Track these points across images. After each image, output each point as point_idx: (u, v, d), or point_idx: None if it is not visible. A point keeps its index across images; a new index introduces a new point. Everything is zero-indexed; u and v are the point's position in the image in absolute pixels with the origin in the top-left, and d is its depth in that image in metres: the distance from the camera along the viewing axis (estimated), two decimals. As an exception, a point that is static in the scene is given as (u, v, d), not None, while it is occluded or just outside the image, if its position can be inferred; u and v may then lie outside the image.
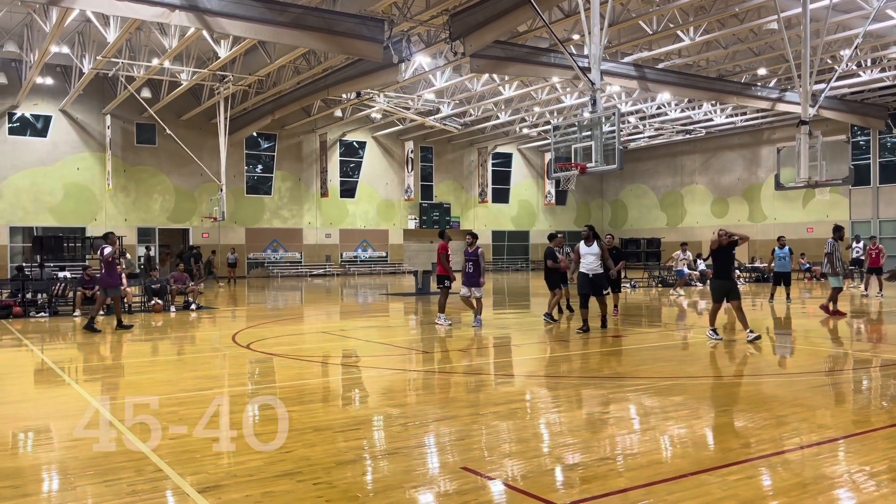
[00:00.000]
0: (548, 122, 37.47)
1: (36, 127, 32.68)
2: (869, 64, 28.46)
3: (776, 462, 4.98)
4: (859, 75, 28.85)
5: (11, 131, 32.08)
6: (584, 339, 11.62)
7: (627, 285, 25.75)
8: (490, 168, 45.16)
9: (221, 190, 32.60)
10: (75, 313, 16.42)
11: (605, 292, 12.88)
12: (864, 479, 4.59)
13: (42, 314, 16.48)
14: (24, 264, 21.65)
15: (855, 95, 32.53)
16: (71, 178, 33.13)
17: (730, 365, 9.28)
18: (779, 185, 21.49)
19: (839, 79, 26.67)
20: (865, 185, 35.81)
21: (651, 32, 22.97)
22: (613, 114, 15.55)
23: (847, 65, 25.93)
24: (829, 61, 26.85)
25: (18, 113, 32.12)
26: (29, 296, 16.96)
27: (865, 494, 4.36)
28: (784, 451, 5.25)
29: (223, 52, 23.52)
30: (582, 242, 12.75)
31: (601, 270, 12.56)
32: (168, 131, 31.26)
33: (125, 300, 17.34)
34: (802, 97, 18.82)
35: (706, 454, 5.19)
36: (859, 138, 36.57)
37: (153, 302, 17.57)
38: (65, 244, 26.95)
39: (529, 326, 14.26)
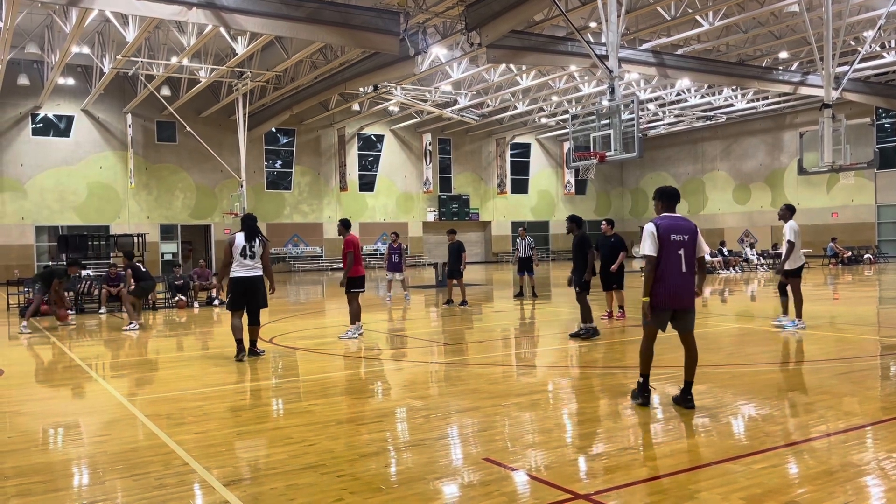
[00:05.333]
0: (566, 112, 37.25)
1: (59, 127, 33.10)
2: (893, 45, 27.92)
3: (802, 450, 4.93)
4: (883, 56, 28.33)
5: (35, 132, 32.52)
6: (604, 329, 11.57)
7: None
8: (508, 159, 44.99)
9: (242, 186, 32.83)
10: (101, 310, 16.65)
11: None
12: (892, 467, 4.53)
13: (69, 312, 16.70)
14: (50, 263, 22.01)
15: (879, 77, 31.94)
16: (94, 176, 33.53)
17: (754, 352, 9.20)
18: (802, 171, 21.19)
19: (862, 61, 26.21)
20: (891, 169, 35.20)
21: (669, 18, 22.72)
22: (632, 101, 15.45)
23: (870, 46, 25.48)
24: (852, 43, 26.39)
25: (41, 113, 32.55)
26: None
27: (894, 482, 4.31)
28: (810, 438, 5.20)
29: (240, 48, 23.63)
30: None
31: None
32: (188, 129, 31.51)
33: (149, 297, 17.57)
34: (825, 80, 18.54)
35: (730, 443, 5.16)
36: (884, 121, 35.94)
37: (177, 298, 17.78)
38: (89, 242, 27.35)
39: (550, 316, 14.23)
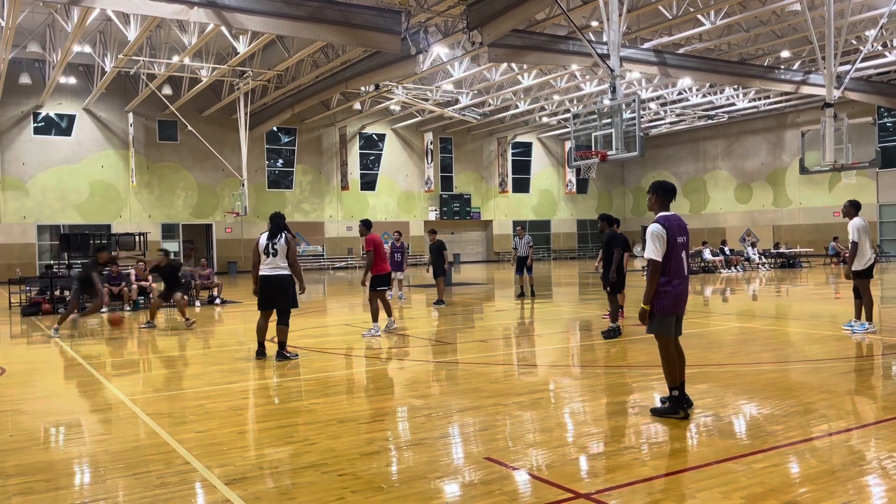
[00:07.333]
0: (567, 111, 37.24)
1: (60, 126, 33.13)
2: (895, 44, 27.89)
3: (803, 449, 4.92)
4: (885, 55, 28.30)
5: (37, 131, 32.56)
6: (603, 328, 11.56)
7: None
8: (510, 158, 44.98)
9: (243, 185, 32.84)
10: (103, 309, 16.63)
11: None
12: (893, 466, 4.53)
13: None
14: (51, 262, 22.04)
15: (881, 76, 31.91)
16: (96, 175, 33.56)
17: (755, 352, 9.19)
18: (804, 170, 21.19)
19: (864, 60, 26.18)
20: (893, 168, 35.17)
21: (671, 17, 22.70)
22: (633, 100, 15.45)
23: (872, 45, 25.45)
24: (854, 42, 26.36)
25: (43, 112, 32.58)
26: (57, 293, 17.23)
27: (895, 481, 4.30)
28: (812, 437, 5.20)
29: (242, 47, 23.64)
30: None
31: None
32: (189, 128, 31.53)
33: (152, 296, 17.57)
34: (827, 79, 18.51)
35: (732, 442, 5.15)
36: (886, 120, 35.91)
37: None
38: (91, 241, 27.35)
39: (551, 316, 14.23)
